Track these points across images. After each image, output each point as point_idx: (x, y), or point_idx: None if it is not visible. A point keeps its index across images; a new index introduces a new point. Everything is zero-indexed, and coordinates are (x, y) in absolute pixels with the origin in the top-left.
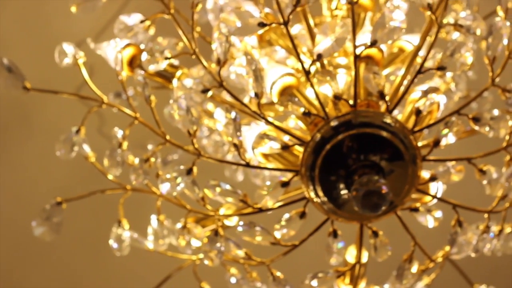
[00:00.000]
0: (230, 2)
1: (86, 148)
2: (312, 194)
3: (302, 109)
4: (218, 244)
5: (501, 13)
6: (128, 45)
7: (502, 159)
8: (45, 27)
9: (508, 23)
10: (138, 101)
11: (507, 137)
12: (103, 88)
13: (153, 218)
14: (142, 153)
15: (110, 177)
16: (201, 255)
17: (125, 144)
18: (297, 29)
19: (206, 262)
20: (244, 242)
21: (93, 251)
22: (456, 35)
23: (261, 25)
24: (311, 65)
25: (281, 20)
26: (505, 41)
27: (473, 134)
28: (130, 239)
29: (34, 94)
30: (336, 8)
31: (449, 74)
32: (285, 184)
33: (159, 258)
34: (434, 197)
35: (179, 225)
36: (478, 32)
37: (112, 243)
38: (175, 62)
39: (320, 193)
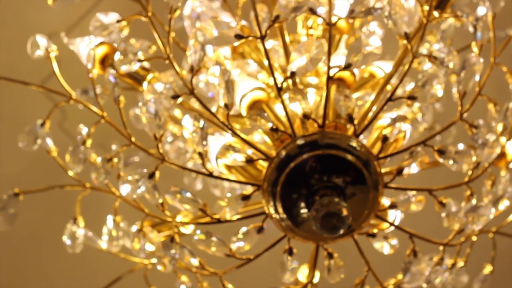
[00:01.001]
0: (208, 11)
1: (49, 142)
2: (272, 210)
3: (270, 125)
4: (172, 251)
5: (475, 49)
6: (102, 43)
7: (462, 193)
8: (15, 17)
9: (481, 60)
10: (104, 100)
11: (470, 172)
12: (68, 84)
13: (109, 218)
14: (104, 152)
15: (70, 173)
16: (154, 260)
17: (89, 142)
18: (269, 44)
19: (159, 267)
20: (198, 251)
21: (42, 247)
22: (428, 66)
23: (238, 37)
24: (283, 81)
25: (258, 34)
26: (476, 77)
27: (436, 166)
28: (84, 237)
29: None
30: (311, 27)
31: (416, 104)
32: (245, 198)
33: (109, 259)
34: (391, 224)
35: (134, 228)
36: (451, 65)
37: (66, 239)
38: (147, 65)
39: (280, 210)
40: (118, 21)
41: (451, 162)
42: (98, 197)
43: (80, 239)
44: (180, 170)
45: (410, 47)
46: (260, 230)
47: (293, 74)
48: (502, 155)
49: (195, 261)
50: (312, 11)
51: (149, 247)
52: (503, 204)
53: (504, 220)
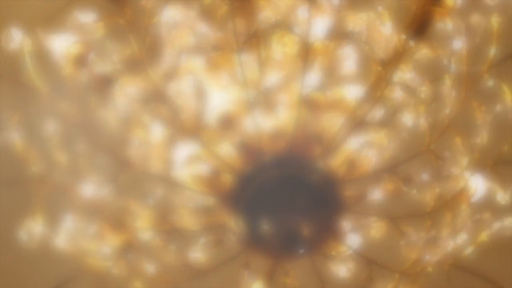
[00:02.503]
0: (185, 20)
1: (14, 135)
2: (233, 224)
3: (239, 138)
4: (129, 255)
5: (447, 81)
6: (76, 41)
7: (422, 223)
8: None
9: (453, 93)
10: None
11: (432, 203)
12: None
13: (68, 217)
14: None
15: (34, 168)
16: (109, 263)
17: (54, 139)
18: (243, 57)
19: (115, 271)
20: (155, 258)
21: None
22: (398, 94)
23: (214, 48)
24: (256, 97)
25: (235, 47)
26: (447, 110)
27: (399, 194)
28: (41, 233)
29: None
30: (286, 45)
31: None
32: (207, 209)
33: (64, 258)
34: (350, 248)
35: (93, 229)
36: (423, 95)
37: (23, 234)
38: (120, 67)
39: (241, 224)
40: (96, 21)
41: (414, 191)
42: (59, 195)
43: (37, 235)
44: (143, 175)
45: (385, 74)
46: (219, 242)
47: (266, 90)
48: (465, 189)
49: (151, 268)
50: (291, 30)
51: (106, 250)
52: (461, 238)
53: (460, 253)
